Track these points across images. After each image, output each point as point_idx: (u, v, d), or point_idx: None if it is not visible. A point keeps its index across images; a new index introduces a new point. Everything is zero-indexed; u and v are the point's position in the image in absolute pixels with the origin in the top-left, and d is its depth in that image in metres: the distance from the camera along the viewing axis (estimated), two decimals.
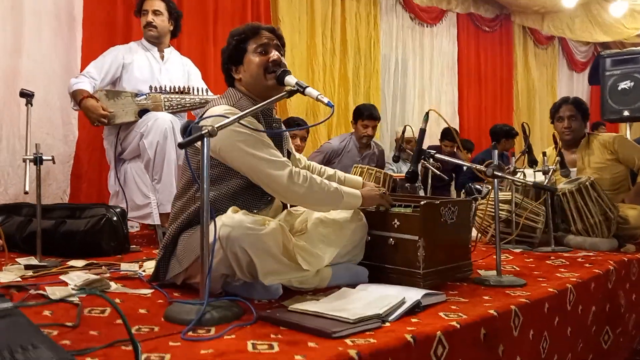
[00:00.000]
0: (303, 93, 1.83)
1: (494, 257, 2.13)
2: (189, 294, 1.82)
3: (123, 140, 3.12)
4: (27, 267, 2.25)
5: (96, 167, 3.95)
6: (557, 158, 3.07)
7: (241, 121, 1.74)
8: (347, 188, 2.02)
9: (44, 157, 2.37)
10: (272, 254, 1.74)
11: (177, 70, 3.43)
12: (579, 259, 2.58)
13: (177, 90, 3.12)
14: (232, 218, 1.72)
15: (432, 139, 6.24)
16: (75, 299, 1.71)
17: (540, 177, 3.01)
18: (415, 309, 1.65)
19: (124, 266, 2.31)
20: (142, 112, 3.05)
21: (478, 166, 2.09)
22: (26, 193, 2.19)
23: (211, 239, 1.62)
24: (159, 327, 1.48)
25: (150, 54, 3.35)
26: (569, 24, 8.26)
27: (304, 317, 1.53)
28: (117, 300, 1.75)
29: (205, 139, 1.54)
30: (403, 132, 3.61)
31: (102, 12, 4.04)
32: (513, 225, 2.93)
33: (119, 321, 1.52)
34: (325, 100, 1.77)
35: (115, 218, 2.73)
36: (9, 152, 3.56)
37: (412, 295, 1.70)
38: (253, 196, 1.95)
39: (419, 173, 2.47)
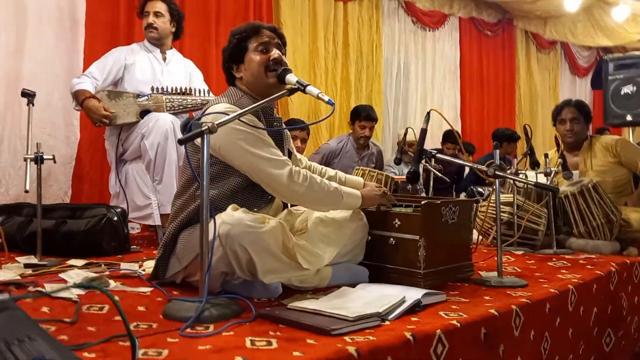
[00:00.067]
0: (304, 91, 1.82)
1: (495, 258, 2.12)
2: (189, 292, 1.82)
3: (124, 141, 3.12)
4: (27, 265, 2.25)
5: (98, 168, 3.96)
6: (559, 160, 3.06)
7: (242, 119, 1.73)
8: (347, 188, 2.02)
9: (44, 157, 2.36)
10: (272, 252, 1.73)
11: (179, 71, 3.44)
12: (581, 261, 2.56)
13: (178, 91, 3.12)
14: (232, 216, 1.71)
15: (433, 141, 6.24)
16: (74, 297, 1.70)
17: (542, 179, 2.99)
18: (416, 308, 1.64)
19: (124, 265, 2.30)
20: (144, 112, 3.05)
21: (479, 166, 2.08)
22: (26, 192, 2.19)
23: (211, 236, 1.62)
24: (158, 324, 1.48)
25: (152, 56, 3.36)
26: (571, 29, 8.26)
27: (303, 314, 1.52)
28: (116, 298, 1.74)
29: (205, 136, 1.53)
30: (405, 135, 3.61)
31: (104, 14, 4.06)
32: (515, 228, 2.92)
33: (118, 318, 1.51)
34: (326, 98, 1.77)
35: (115, 218, 2.73)
36: (10, 153, 3.57)
37: (412, 294, 1.69)
38: (253, 195, 1.94)
39: (420, 174, 2.46)
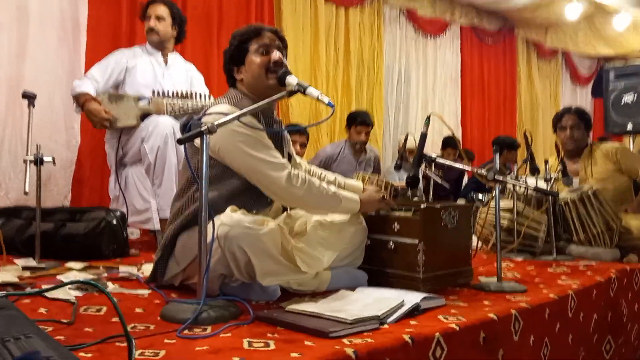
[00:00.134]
0: (304, 93, 1.82)
1: (495, 264, 2.11)
2: (187, 294, 1.81)
3: (125, 144, 3.12)
4: (25, 268, 2.24)
5: (98, 172, 3.96)
6: (559, 167, 3.05)
7: (241, 120, 1.73)
8: (345, 192, 2.01)
9: (44, 159, 2.36)
10: (271, 255, 1.73)
11: (180, 75, 3.44)
12: (581, 267, 2.56)
13: (179, 94, 3.12)
14: (231, 217, 1.71)
15: (434, 149, 6.23)
16: (72, 298, 1.70)
17: (542, 186, 2.99)
18: (414, 312, 1.63)
19: (123, 268, 2.30)
20: (144, 116, 3.05)
21: (479, 170, 2.08)
22: (26, 194, 2.18)
23: (209, 239, 1.62)
24: (155, 326, 1.47)
25: (154, 59, 3.36)
26: (572, 37, 8.28)
27: (301, 317, 1.52)
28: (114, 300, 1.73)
29: (204, 136, 1.53)
30: (405, 141, 3.60)
31: (106, 17, 4.08)
32: (515, 234, 2.91)
33: (115, 319, 1.51)
34: (326, 100, 1.77)
35: (115, 221, 2.72)
36: (10, 156, 3.58)
37: (411, 298, 1.68)
38: (252, 197, 1.94)
39: (420, 180, 2.45)
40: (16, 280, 1.99)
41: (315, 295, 1.86)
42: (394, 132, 6.67)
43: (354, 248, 2.05)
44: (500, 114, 8.02)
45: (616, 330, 2.28)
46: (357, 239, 2.05)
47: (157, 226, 3.01)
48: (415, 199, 3.08)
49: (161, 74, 3.34)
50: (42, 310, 1.60)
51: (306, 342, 1.33)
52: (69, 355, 1.03)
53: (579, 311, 2.02)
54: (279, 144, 2.05)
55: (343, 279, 1.98)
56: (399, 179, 4.84)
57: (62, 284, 1.15)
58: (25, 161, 2.29)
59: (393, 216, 2.07)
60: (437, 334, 1.44)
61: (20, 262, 2.35)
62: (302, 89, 1.83)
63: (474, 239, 2.86)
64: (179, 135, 2.87)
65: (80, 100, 3.05)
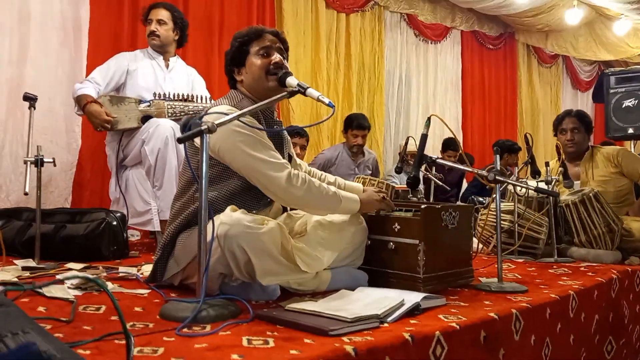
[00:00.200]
0: (304, 94, 1.82)
1: (496, 266, 2.10)
2: (186, 294, 1.80)
3: (125, 147, 3.13)
4: (25, 268, 2.24)
5: (98, 175, 3.96)
6: (560, 169, 3.05)
7: (242, 121, 1.73)
8: (345, 192, 2.01)
9: (45, 160, 2.37)
10: (271, 254, 1.72)
11: (182, 79, 3.45)
12: (582, 268, 2.55)
13: (180, 97, 3.13)
14: (231, 216, 1.71)
15: (434, 152, 6.23)
16: (71, 297, 1.69)
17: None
18: (415, 311, 1.62)
19: (122, 269, 2.29)
20: (145, 118, 3.05)
21: (480, 171, 2.08)
22: (26, 194, 2.18)
23: (209, 238, 1.61)
24: (154, 324, 1.46)
25: (156, 63, 3.37)
26: (572, 43, 8.30)
27: (300, 315, 1.51)
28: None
29: (204, 135, 1.53)
30: (406, 144, 3.61)
31: (107, 22, 4.09)
32: (515, 236, 2.91)
33: (114, 318, 1.50)
34: (326, 100, 1.77)
35: (115, 222, 2.72)
36: (11, 159, 3.58)
37: (412, 298, 1.68)
38: (252, 197, 1.93)
39: (421, 180, 2.45)
40: (15, 280, 1.99)
41: (315, 295, 1.85)
42: (395, 137, 6.68)
43: (354, 248, 2.04)
44: (501, 119, 8.03)
45: (617, 332, 2.27)
46: (357, 239, 2.05)
47: (158, 228, 3.01)
48: (412, 198, 3.08)
49: (162, 77, 3.35)
50: (41, 308, 1.59)
51: (306, 340, 1.32)
52: (66, 350, 1.03)
53: (580, 311, 2.01)
54: (279, 145, 2.05)
55: (343, 279, 1.97)
56: (400, 182, 4.84)
57: (61, 279, 1.15)
58: (25, 162, 2.29)
59: (393, 216, 2.06)
60: (437, 332, 1.44)
61: (20, 262, 2.34)
62: (302, 90, 1.84)
63: (475, 241, 2.86)
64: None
65: (82, 103, 3.05)
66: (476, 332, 1.55)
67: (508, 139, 6.81)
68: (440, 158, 5.14)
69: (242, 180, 1.91)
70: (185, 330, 1.40)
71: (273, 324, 1.48)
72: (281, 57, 2.03)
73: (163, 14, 3.36)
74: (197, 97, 3.17)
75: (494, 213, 2.19)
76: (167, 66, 3.41)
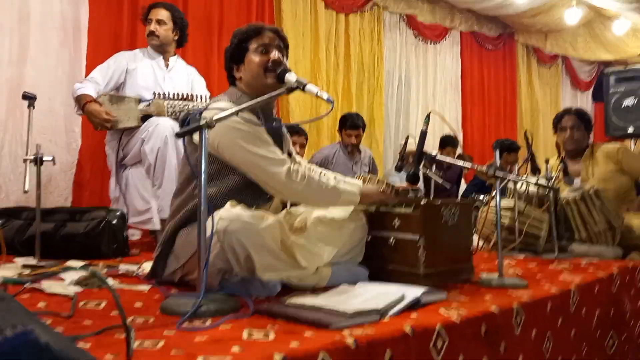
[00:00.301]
0: (303, 90, 1.82)
1: (496, 262, 2.10)
2: (186, 290, 1.80)
3: (125, 146, 3.13)
4: (25, 266, 2.24)
5: (98, 175, 3.96)
6: (561, 166, 3.05)
7: (240, 116, 1.73)
8: (344, 185, 2.00)
9: (44, 158, 2.37)
10: (270, 249, 1.72)
11: (181, 78, 3.45)
12: (583, 264, 2.55)
13: (180, 96, 3.13)
14: (230, 211, 1.71)
15: (433, 150, 6.22)
16: (71, 293, 1.69)
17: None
18: (415, 305, 1.62)
19: (123, 267, 2.29)
20: (145, 117, 3.05)
21: (479, 166, 2.07)
22: (25, 192, 2.19)
23: (209, 234, 1.61)
24: (154, 319, 1.47)
25: (155, 62, 3.37)
26: (571, 43, 8.30)
27: (301, 310, 1.51)
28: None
29: (203, 130, 1.53)
30: (405, 143, 3.60)
31: (107, 21, 4.10)
32: (516, 233, 2.90)
33: (114, 313, 1.50)
34: (325, 96, 1.77)
35: (115, 221, 2.72)
36: (11, 159, 3.58)
37: (412, 292, 1.67)
38: (252, 194, 1.93)
39: (420, 177, 2.45)
40: (18, 279, 1.98)
41: (316, 291, 1.85)
42: (395, 137, 6.68)
43: (354, 244, 2.04)
44: (501, 119, 8.03)
45: (619, 327, 2.27)
46: (357, 235, 2.05)
47: (158, 227, 3.01)
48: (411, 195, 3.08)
49: (162, 77, 3.35)
50: (41, 304, 1.59)
51: (306, 333, 1.32)
52: (66, 342, 1.03)
53: (581, 306, 2.01)
54: (278, 142, 2.04)
55: (343, 275, 1.96)
56: (400, 181, 4.84)
57: (60, 269, 1.15)
58: (25, 161, 2.29)
59: (393, 212, 2.06)
60: (438, 325, 1.44)
61: (20, 260, 2.34)
62: (301, 86, 1.83)
63: (475, 237, 2.86)
64: None
65: (81, 102, 3.05)
66: (477, 325, 1.55)
67: (507, 138, 6.81)
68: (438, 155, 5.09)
69: (241, 177, 1.91)
70: (185, 324, 1.40)
71: (273, 318, 1.48)
72: (280, 55, 2.03)
73: (163, 14, 3.36)
74: (196, 97, 3.17)
75: (494, 210, 2.18)
76: (167, 66, 3.41)
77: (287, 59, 2.10)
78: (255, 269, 1.71)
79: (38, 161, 2.33)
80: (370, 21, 6.33)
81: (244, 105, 1.69)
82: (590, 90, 9.48)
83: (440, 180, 3.22)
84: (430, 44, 7.13)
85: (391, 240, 2.03)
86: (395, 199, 2.11)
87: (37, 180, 2.37)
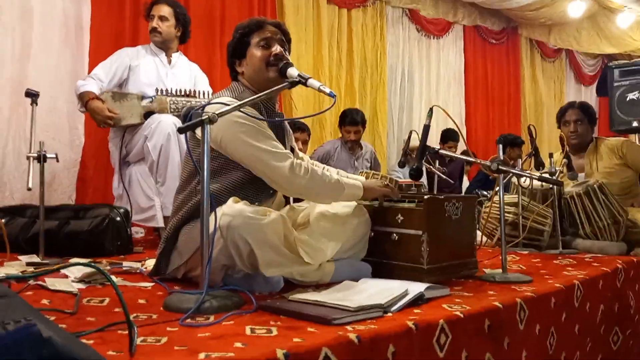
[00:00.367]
0: (305, 84, 1.82)
1: (500, 257, 2.09)
2: (190, 287, 1.80)
3: (128, 143, 3.13)
4: (29, 264, 2.24)
5: (102, 172, 3.96)
6: (564, 160, 3.03)
7: (242, 111, 1.73)
8: (347, 179, 2.01)
9: (47, 155, 2.37)
10: (273, 245, 1.72)
11: (184, 75, 3.45)
12: (587, 259, 2.54)
13: (183, 93, 3.12)
14: (233, 207, 1.70)
15: (435, 144, 6.21)
16: (74, 290, 1.69)
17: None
18: (418, 301, 1.62)
19: (126, 264, 2.29)
20: (148, 114, 3.05)
21: (483, 161, 2.07)
22: (29, 189, 2.19)
23: (212, 230, 1.61)
24: (158, 315, 1.47)
25: (158, 59, 3.37)
26: (575, 36, 8.26)
27: (304, 305, 1.51)
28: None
29: (205, 125, 1.53)
30: (409, 138, 3.60)
31: (109, 19, 4.09)
32: (520, 228, 2.89)
33: (118, 309, 1.50)
34: (327, 90, 1.76)
35: (118, 218, 2.72)
36: (15, 157, 3.58)
37: (415, 288, 1.67)
38: (254, 189, 1.93)
39: (423, 171, 2.44)
40: (19, 274, 1.99)
41: (319, 287, 1.85)
42: (398, 132, 6.67)
43: (357, 240, 2.04)
44: (504, 114, 8.01)
45: (623, 322, 2.26)
46: (360, 230, 2.04)
47: (161, 224, 3.01)
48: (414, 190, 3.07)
49: (165, 73, 3.35)
50: (45, 301, 1.59)
51: (309, 329, 1.32)
52: (69, 337, 1.03)
53: (585, 301, 2.00)
54: (281, 137, 2.04)
55: (346, 271, 1.96)
56: (404, 177, 4.84)
57: (64, 265, 1.15)
58: (28, 158, 2.29)
59: (396, 207, 2.05)
60: (441, 321, 1.43)
61: (24, 258, 2.35)
62: (303, 80, 1.83)
63: (479, 233, 2.85)
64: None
65: (84, 99, 3.05)
66: (480, 321, 1.55)
67: (511, 133, 6.79)
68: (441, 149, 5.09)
69: (244, 172, 1.90)
70: (188, 320, 1.40)
71: (276, 314, 1.48)
72: (282, 49, 2.02)
73: (165, 10, 3.35)
74: (199, 93, 3.17)
75: (498, 205, 2.18)
76: (170, 62, 3.41)
77: (289, 53, 2.09)
78: (258, 264, 1.70)
79: (41, 158, 2.34)
80: (373, 16, 6.31)
81: (246, 101, 1.69)
82: (595, 85, 9.43)
83: (443, 176, 3.21)
84: (433, 38, 7.10)
85: (394, 235, 2.03)
86: (399, 194, 2.11)
87: (40, 177, 2.37)
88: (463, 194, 5.53)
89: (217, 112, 1.56)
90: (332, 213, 1.99)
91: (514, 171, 2.13)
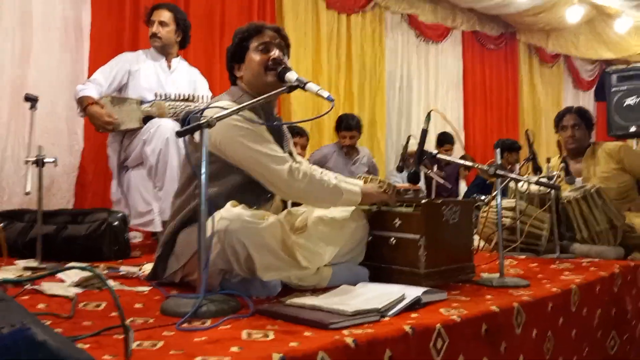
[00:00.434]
0: (303, 88, 1.83)
1: (497, 262, 2.09)
2: (187, 291, 1.80)
3: (127, 147, 3.13)
4: (26, 268, 2.24)
5: (101, 177, 3.96)
6: (562, 165, 3.04)
7: (241, 115, 1.74)
8: (346, 184, 2.01)
9: (46, 160, 2.37)
10: (271, 249, 1.72)
11: (184, 80, 3.45)
12: (584, 264, 2.54)
13: (182, 98, 3.13)
14: (231, 211, 1.71)
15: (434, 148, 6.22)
16: (71, 294, 1.69)
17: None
18: (416, 305, 1.62)
19: (124, 268, 2.29)
20: (147, 119, 3.06)
21: (481, 165, 2.07)
22: (27, 194, 2.19)
23: (209, 233, 1.61)
24: (154, 319, 1.47)
25: (158, 64, 3.37)
26: (573, 42, 8.28)
27: (301, 310, 1.51)
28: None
29: (203, 129, 1.53)
30: (407, 143, 3.60)
31: (109, 24, 4.11)
32: (517, 233, 2.90)
33: (114, 314, 1.50)
34: (325, 94, 1.77)
35: (116, 223, 2.72)
36: (13, 161, 3.59)
37: (413, 292, 1.67)
38: (252, 193, 1.93)
39: (421, 176, 2.44)
40: (16, 278, 1.99)
41: (316, 291, 1.85)
42: (396, 138, 6.68)
43: (355, 244, 2.04)
44: (503, 119, 8.02)
45: (621, 327, 2.26)
46: (358, 235, 2.04)
47: (160, 228, 3.00)
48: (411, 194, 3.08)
49: (164, 78, 3.35)
50: (41, 305, 1.59)
51: (306, 333, 1.32)
52: (65, 341, 1.03)
53: (582, 306, 2.00)
54: (279, 140, 2.04)
55: (344, 275, 1.96)
56: (402, 181, 4.84)
57: (61, 269, 1.15)
58: (26, 162, 2.29)
59: (394, 212, 2.05)
60: (438, 325, 1.43)
61: (22, 262, 2.35)
62: (301, 84, 1.84)
63: (476, 238, 2.85)
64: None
65: (83, 104, 3.06)
66: (477, 325, 1.55)
67: (509, 138, 6.80)
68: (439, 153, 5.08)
69: (242, 177, 1.91)
70: (185, 325, 1.40)
71: (273, 318, 1.48)
72: (280, 53, 2.03)
73: (165, 15, 3.36)
74: (198, 97, 3.17)
75: (495, 210, 2.18)
76: (170, 67, 3.41)
77: (288, 58, 2.10)
78: (256, 268, 1.71)
79: (40, 163, 2.34)
80: (372, 21, 6.33)
81: (244, 105, 1.70)
82: (593, 90, 9.45)
83: (441, 181, 3.21)
84: (432, 43, 7.12)
85: (392, 239, 2.03)
86: (396, 198, 2.11)
87: (38, 182, 2.37)
88: (460, 197, 5.53)
89: (215, 116, 1.56)
90: (330, 217, 1.99)
91: (511, 176, 2.13)
